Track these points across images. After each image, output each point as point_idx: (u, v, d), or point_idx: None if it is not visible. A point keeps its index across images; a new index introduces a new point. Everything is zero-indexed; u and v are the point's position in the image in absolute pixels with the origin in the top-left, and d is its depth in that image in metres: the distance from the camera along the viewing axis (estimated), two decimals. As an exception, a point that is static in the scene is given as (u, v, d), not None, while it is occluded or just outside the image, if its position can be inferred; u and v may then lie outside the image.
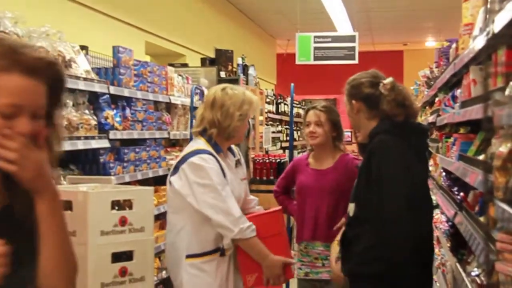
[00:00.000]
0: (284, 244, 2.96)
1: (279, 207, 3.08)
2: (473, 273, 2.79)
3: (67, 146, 3.32)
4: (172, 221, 2.90)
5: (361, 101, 2.59)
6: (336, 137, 3.59)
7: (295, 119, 9.33)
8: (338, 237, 3.22)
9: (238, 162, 3.08)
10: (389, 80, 2.56)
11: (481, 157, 2.73)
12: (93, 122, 3.67)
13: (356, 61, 10.67)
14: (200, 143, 2.90)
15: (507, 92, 1.87)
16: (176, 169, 2.84)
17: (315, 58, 10.85)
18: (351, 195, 2.70)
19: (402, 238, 2.31)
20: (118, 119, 4.02)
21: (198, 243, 2.81)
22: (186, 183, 2.77)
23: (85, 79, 3.62)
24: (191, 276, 2.78)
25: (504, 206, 1.76)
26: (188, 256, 2.80)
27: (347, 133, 3.46)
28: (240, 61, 7.85)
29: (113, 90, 3.98)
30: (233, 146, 3.11)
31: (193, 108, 5.33)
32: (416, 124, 2.64)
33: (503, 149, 1.84)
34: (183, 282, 2.79)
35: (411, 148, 2.46)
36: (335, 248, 3.13)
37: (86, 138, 3.55)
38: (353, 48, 10.71)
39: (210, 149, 2.86)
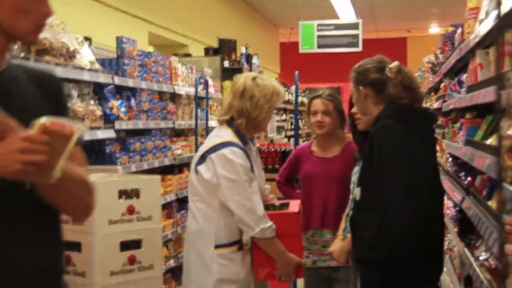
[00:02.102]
0: (299, 246, 2.98)
1: (297, 210, 3.04)
2: (481, 257, 2.79)
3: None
4: (198, 209, 2.86)
5: (368, 87, 2.59)
6: (341, 125, 3.58)
7: (300, 108, 9.31)
8: (340, 231, 3.23)
9: (257, 152, 3.11)
10: (395, 63, 2.57)
11: (489, 141, 2.72)
12: (99, 113, 3.67)
13: (359, 49, 10.65)
14: (228, 133, 2.86)
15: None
16: (203, 158, 2.81)
17: (319, 46, 10.83)
18: (358, 180, 2.70)
19: (402, 220, 2.31)
20: (123, 109, 4.02)
21: (226, 233, 2.80)
22: (214, 175, 2.76)
23: (89, 69, 3.61)
24: (221, 266, 2.79)
25: (513, 189, 1.75)
26: (217, 247, 2.80)
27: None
28: (243, 50, 7.85)
29: (117, 80, 3.97)
30: None
31: (197, 98, 5.33)
32: (423, 109, 2.63)
33: (511, 131, 1.84)
34: (213, 272, 2.78)
35: (415, 133, 2.46)
36: (337, 243, 3.17)
37: (92, 128, 3.55)
38: (356, 36, 10.69)
39: (238, 141, 2.83)
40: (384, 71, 2.57)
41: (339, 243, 3.16)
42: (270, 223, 2.80)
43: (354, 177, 3.06)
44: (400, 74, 2.55)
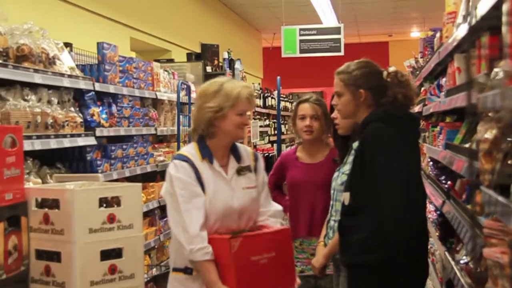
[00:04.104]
0: (231, 278, 2.46)
1: (229, 236, 2.49)
2: (462, 261, 2.81)
3: (53, 144, 3.29)
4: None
5: (369, 90, 2.59)
6: (327, 131, 3.54)
7: (283, 113, 9.36)
8: (322, 238, 3.20)
9: (243, 169, 2.69)
10: (393, 68, 2.62)
11: (468, 145, 2.75)
12: (79, 120, 3.64)
13: (342, 53, 10.67)
14: (189, 146, 2.72)
15: (491, 78, 1.87)
16: None
17: (301, 51, 10.84)
18: (345, 184, 2.69)
19: (398, 226, 2.32)
20: (104, 116, 4.00)
21: (179, 257, 2.61)
22: (164, 192, 2.66)
23: (69, 76, 3.59)
24: None
25: (491, 193, 1.77)
26: (174, 270, 2.65)
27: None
28: (226, 55, 7.84)
29: (98, 87, 3.95)
30: (242, 151, 2.74)
31: (179, 104, 5.31)
32: (408, 113, 2.64)
33: (489, 135, 1.85)
34: None
35: (402, 136, 2.47)
36: (319, 250, 3.13)
37: (72, 135, 3.52)
38: (338, 40, 10.71)
39: (196, 153, 2.62)
40: (382, 75, 2.60)
41: (320, 251, 3.13)
42: (201, 244, 2.46)
43: (334, 183, 3.05)
44: (400, 78, 2.59)
